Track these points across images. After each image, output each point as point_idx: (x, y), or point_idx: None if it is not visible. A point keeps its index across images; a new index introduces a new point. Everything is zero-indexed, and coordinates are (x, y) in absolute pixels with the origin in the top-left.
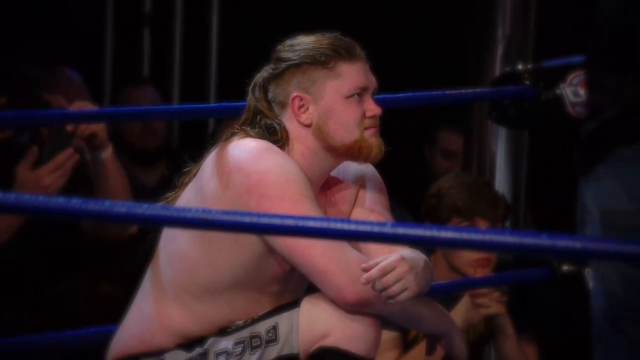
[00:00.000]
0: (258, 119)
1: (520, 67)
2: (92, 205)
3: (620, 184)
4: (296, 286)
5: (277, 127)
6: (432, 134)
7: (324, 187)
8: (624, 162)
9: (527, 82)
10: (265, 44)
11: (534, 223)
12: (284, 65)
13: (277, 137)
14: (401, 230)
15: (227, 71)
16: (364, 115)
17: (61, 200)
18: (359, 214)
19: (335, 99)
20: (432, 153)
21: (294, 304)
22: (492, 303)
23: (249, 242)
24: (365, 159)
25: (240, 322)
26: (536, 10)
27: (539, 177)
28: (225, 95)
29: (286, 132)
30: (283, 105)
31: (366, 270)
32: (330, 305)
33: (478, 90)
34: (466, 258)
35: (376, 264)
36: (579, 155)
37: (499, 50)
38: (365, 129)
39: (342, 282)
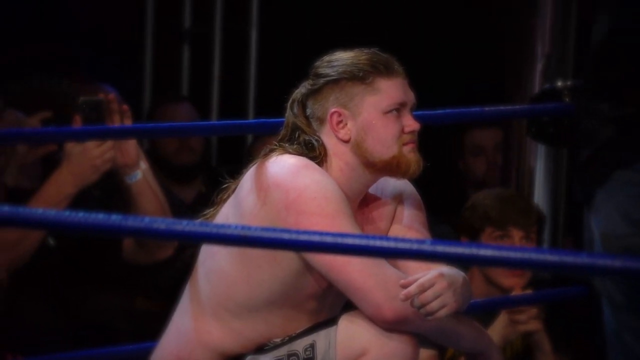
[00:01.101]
0: (296, 135)
1: (559, 84)
2: (132, 221)
3: (616, 207)
4: (334, 304)
5: (315, 143)
6: (458, 142)
7: (362, 204)
8: (619, 185)
9: (567, 99)
10: (304, 60)
11: (573, 241)
12: (322, 81)
13: (316, 153)
14: (440, 248)
15: (266, 87)
16: (402, 131)
17: (101, 217)
18: (396, 231)
19: (374, 114)
20: (464, 160)
21: (332, 321)
22: (530, 320)
23: (287, 259)
24: (404, 175)
25: (278, 340)
26: (575, 27)
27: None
28: (264, 112)
29: (324, 148)
30: (321, 121)
31: (405, 286)
32: (368, 322)
33: (517, 107)
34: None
35: (415, 281)
36: (578, 182)
37: (539, 67)
38: (404, 144)
39: (380, 299)
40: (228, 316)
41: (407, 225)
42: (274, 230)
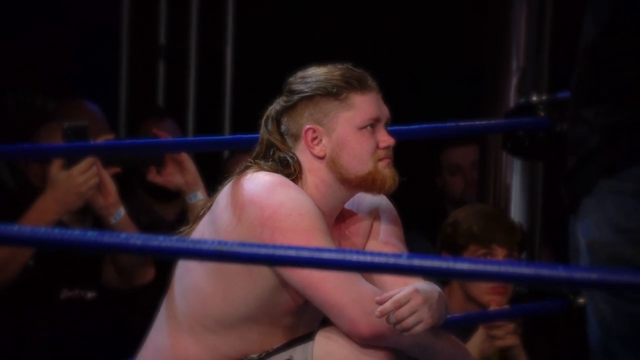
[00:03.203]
0: (271, 152)
1: (534, 98)
2: (108, 237)
3: (603, 215)
4: (310, 319)
5: (290, 160)
6: (435, 159)
7: (338, 220)
8: (607, 193)
9: (542, 114)
10: (279, 76)
11: (551, 254)
12: (296, 97)
13: (291, 170)
14: (417, 262)
15: (241, 103)
16: (377, 147)
17: (77, 233)
18: (373, 246)
19: (348, 130)
20: (441, 177)
21: (308, 337)
22: (507, 335)
23: (263, 275)
24: (380, 191)
25: (254, 356)
26: (550, 41)
27: (554, 208)
28: (240, 127)
29: (299, 164)
30: (296, 137)
31: (380, 303)
32: (345, 338)
33: (492, 121)
34: (482, 286)
35: (390, 297)
36: (564, 189)
37: (514, 82)
38: (379, 160)
39: (356, 315)
40: (204, 332)
41: (383, 240)
42: (250, 245)
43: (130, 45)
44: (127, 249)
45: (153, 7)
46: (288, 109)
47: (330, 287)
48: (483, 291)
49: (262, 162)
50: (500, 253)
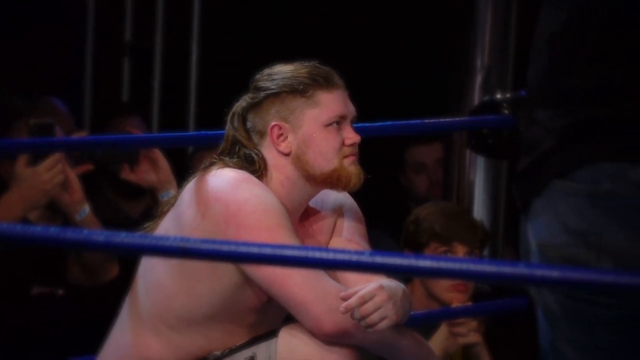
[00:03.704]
0: (237, 149)
1: (499, 96)
2: (71, 233)
3: (555, 217)
4: (274, 316)
5: (255, 157)
6: (400, 157)
7: (302, 217)
8: (558, 194)
9: (506, 111)
10: (244, 73)
11: (514, 252)
12: (262, 94)
13: (256, 166)
14: (379, 259)
15: (206, 100)
16: (343, 144)
17: (39, 229)
18: (336, 243)
19: (314, 127)
20: (406, 175)
21: (272, 334)
22: (470, 332)
23: (227, 273)
24: (345, 188)
25: (218, 353)
26: (515, 39)
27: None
28: (204, 124)
29: (264, 161)
30: (262, 134)
31: (345, 299)
32: (308, 335)
33: (457, 119)
34: (443, 283)
35: (355, 293)
36: (517, 190)
37: (478, 80)
38: (345, 157)
39: (320, 313)
40: (167, 330)
41: (347, 237)
42: (213, 241)
43: (96, 42)
44: (90, 245)
45: (119, 4)
46: (254, 106)
47: (294, 285)
48: (443, 289)
49: (227, 158)
50: (460, 251)
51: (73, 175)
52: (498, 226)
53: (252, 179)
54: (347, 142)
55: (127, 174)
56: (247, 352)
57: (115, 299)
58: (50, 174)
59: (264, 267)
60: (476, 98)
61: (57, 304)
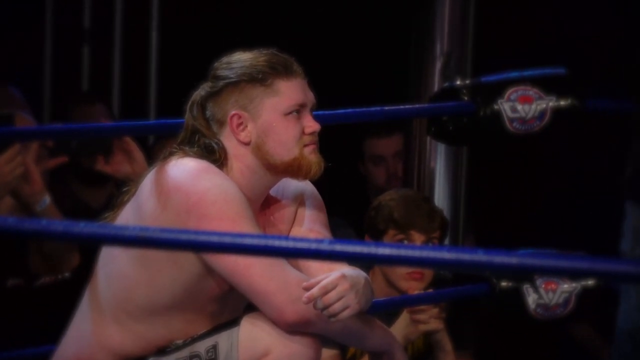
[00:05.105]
0: (196, 138)
1: (458, 82)
2: (29, 224)
3: None
4: (235, 305)
5: (215, 146)
6: (359, 148)
7: (263, 206)
8: None
9: (466, 98)
10: (205, 61)
11: (474, 239)
12: (221, 83)
13: (216, 156)
14: (338, 247)
15: (167, 88)
16: (303, 132)
17: None
18: (297, 232)
19: (274, 116)
20: (365, 166)
21: (234, 322)
22: (431, 319)
23: (188, 262)
24: (305, 176)
25: (179, 342)
26: (474, 26)
27: (478, 192)
28: (165, 112)
29: (225, 150)
30: (221, 123)
31: (307, 289)
32: (270, 323)
33: (416, 106)
34: (400, 271)
35: (317, 283)
36: (633, 182)
37: (438, 66)
38: (305, 146)
39: (282, 302)
40: (128, 319)
41: (308, 226)
42: (172, 231)
43: (55, 29)
44: (49, 235)
45: None
46: (213, 95)
47: (256, 274)
48: (400, 277)
49: (187, 147)
50: (417, 239)
51: (33, 166)
52: (459, 214)
53: (213, 168)
54: (307, 130)
55: (101, 166)
56: (209, 341)
57: (75, 289)
58: (10, 166)
59: (226, 257)
60: (436, 85)
61: (34, 294)
